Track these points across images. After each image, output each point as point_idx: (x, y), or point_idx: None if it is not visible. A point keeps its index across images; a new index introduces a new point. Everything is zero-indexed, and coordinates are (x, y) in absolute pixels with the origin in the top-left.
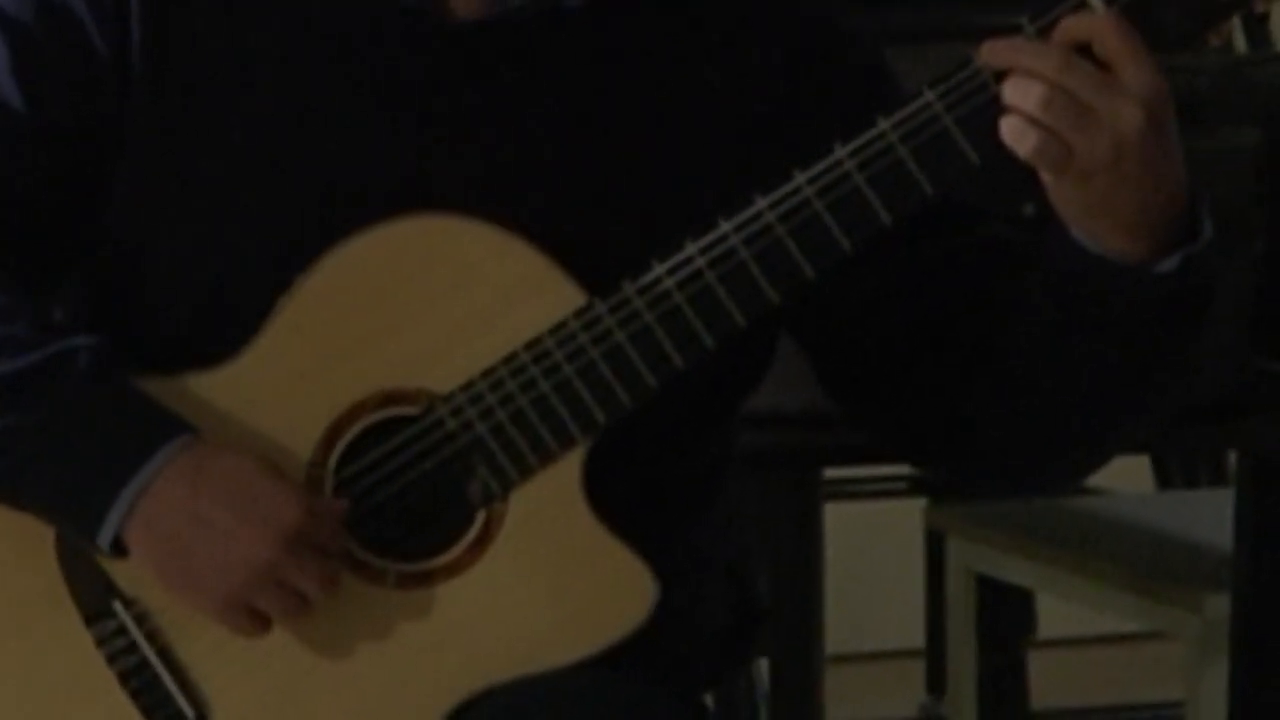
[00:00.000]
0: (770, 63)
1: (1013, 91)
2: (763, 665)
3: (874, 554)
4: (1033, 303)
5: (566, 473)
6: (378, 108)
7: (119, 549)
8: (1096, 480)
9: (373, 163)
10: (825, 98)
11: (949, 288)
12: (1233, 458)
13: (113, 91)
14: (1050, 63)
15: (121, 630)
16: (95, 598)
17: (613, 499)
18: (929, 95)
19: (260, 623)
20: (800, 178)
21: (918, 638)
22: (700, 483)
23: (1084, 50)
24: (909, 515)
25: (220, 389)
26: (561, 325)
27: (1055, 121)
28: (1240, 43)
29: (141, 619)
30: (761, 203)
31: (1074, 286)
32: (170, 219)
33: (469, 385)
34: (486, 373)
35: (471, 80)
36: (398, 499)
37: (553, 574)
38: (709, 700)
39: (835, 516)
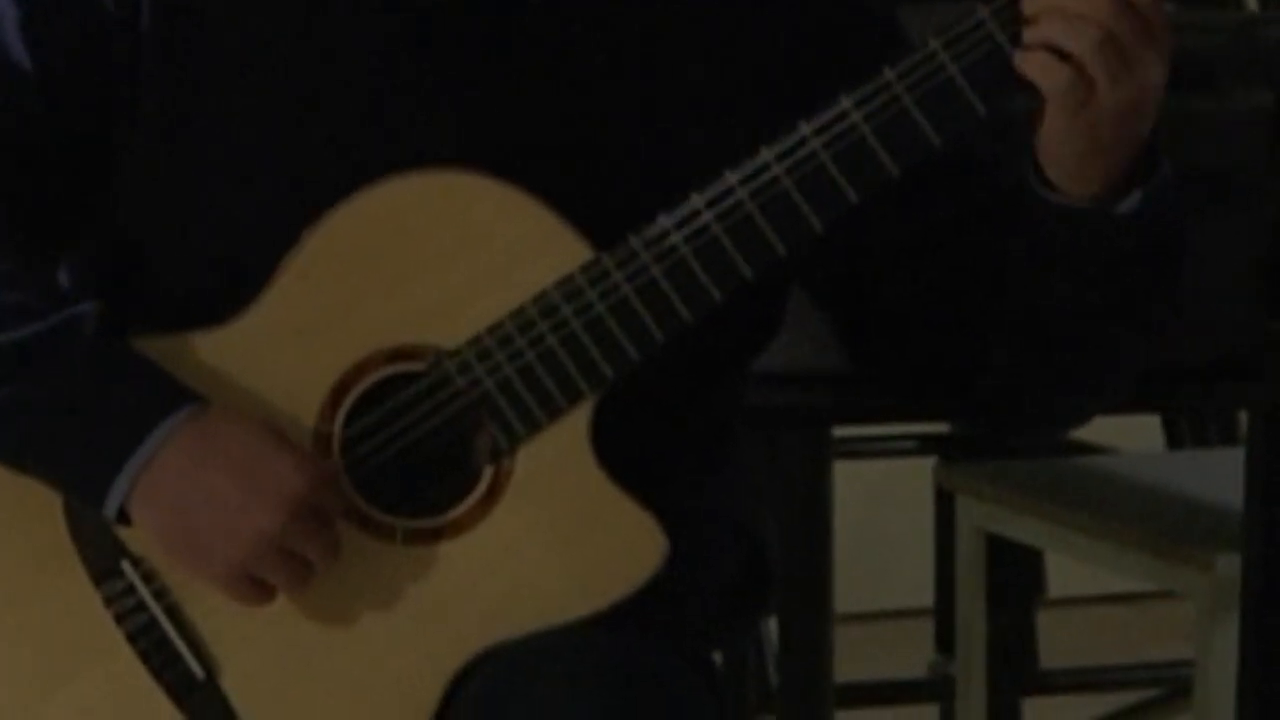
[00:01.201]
0: (783, 21)
1: (1063, 31)
2: (772, 624)
3: (883, 513)
4: (1015, 253)
5: (574, 428)
6: (385, 65)
7: (124, 518)
8: (1107, 440)
9: (379, 120)
10: (838, 55)
11: (954, 233)
12: (1243, 417)
13: (122, 51)
14: (1105, 7)
15: (130, 589)
16: (103, 557)
17: (620, 455)
18: (935, 44)
19: (265, 592)
20: (806, 128)
21: (927, 597)
22: (708, 439)
23: None
24: (918, 474)
25: (226, 346)
26: (568, 280)
27: (1100, 66)
28: (1253, 2)
29: (149, 578)
30: (768, 154)
31: (1042, 234)
32: (179, 179)
33: (476, 341)
34: (493, 328)
35: (479, 37)
36: (405, 455)
37: (561, 529)
38: (718, 659)
39: (845, 475)
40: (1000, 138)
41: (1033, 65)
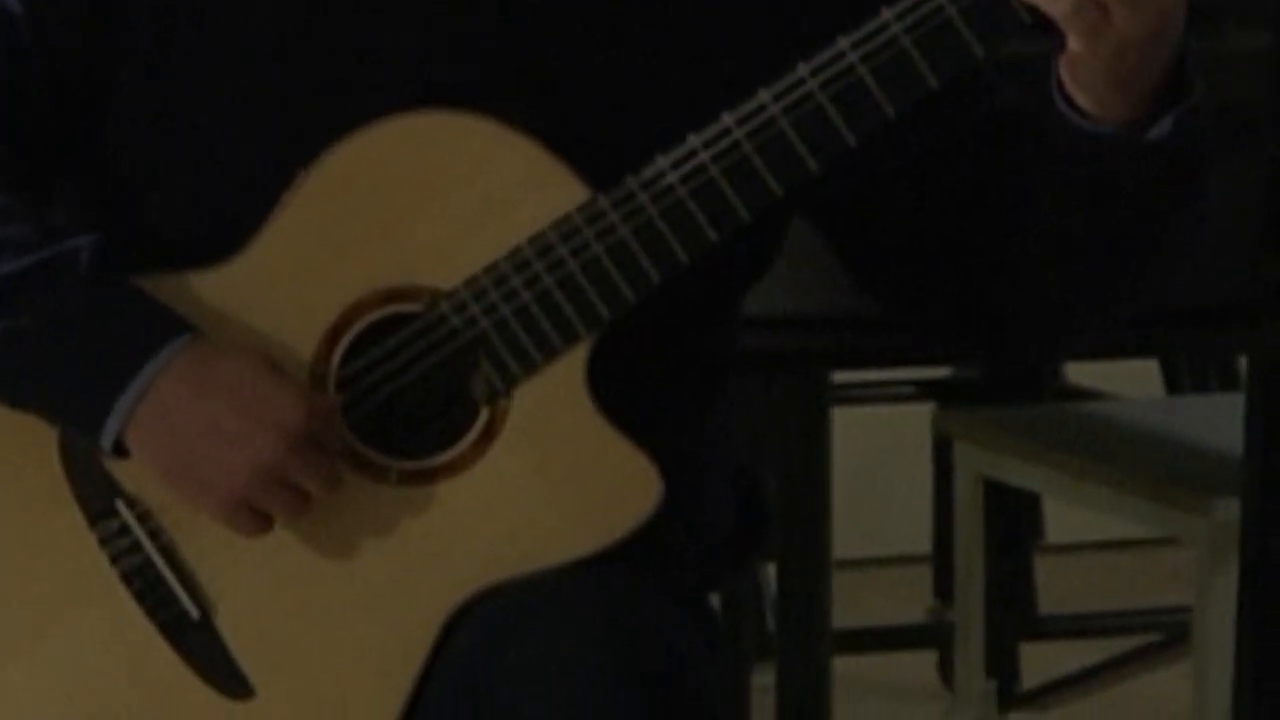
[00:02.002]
0: None
1: None
2: (770, 570)
3: (882, 459)
4: (1033, 173)
5: (570, 368)
6: (377, 14)
7: (121, 450)
8: (1106, 385)
9: (376, 59)
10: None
11: (958, 158)
12: (1243, 362)
13: None
14: None
15: (125, 530)
16: (98, 497)
17: (616, 396)
18: None
19: (263, 523)
20: (804, 69)
21: (925, 543)
22: (703, 380)
23: None
24: (917, 420)
25: (222, 286)
26: (565, 220)
27: None
28: None
29: (144, 518)
30: (765, 95)
31: (1070, 160)
32: (171, 119)
33: (472, 281)
34: (490, 268)
35: None
36: (401, 396)
37: (557, 470)
38: (715, 603)
39: (843, 421)
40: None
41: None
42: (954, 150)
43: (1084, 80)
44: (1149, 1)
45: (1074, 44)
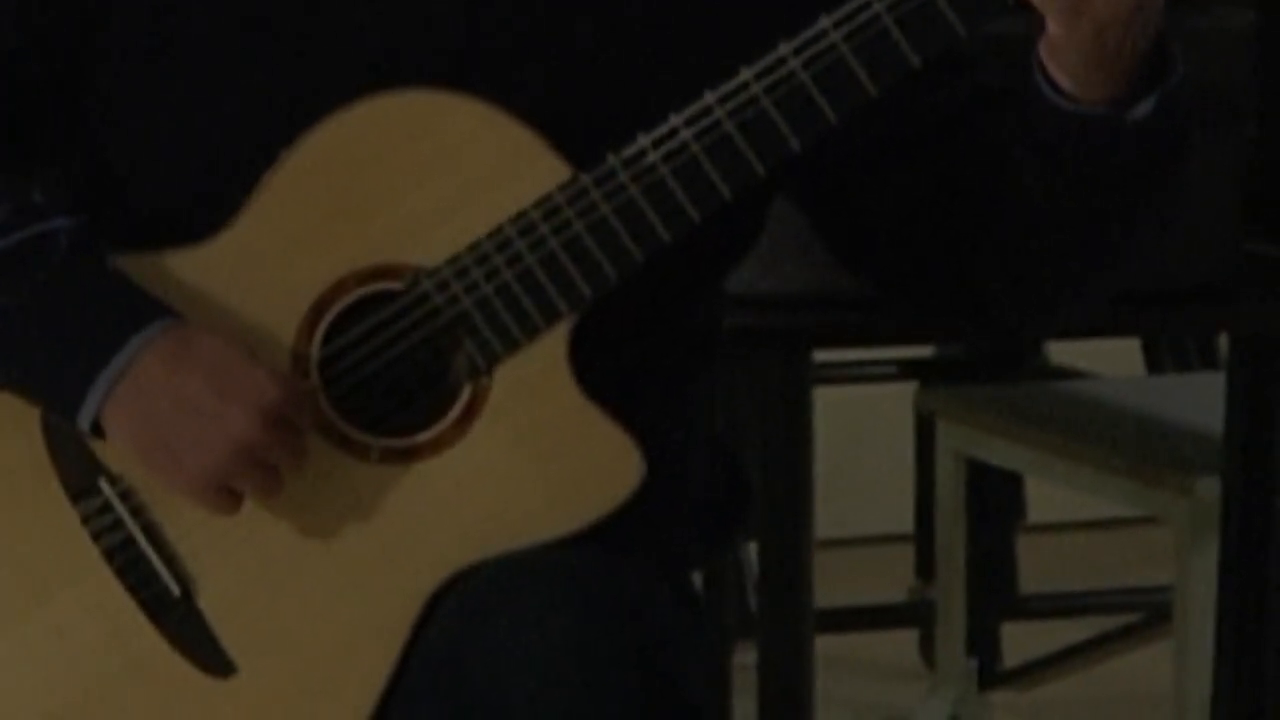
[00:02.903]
0: None
1: None
2: (751, 549)
3: (864, 438)
4: (1016, 153)
5: (552, 347)
6: None
7: (98, 430)
8: (1087, 364)
9: (356, 38)
10: None
11: (941, 137)
12: (1223, 340)
13: None
14: None
15: (107, 507)
16: (80, 474)
17: (598, 374)
18: None
19: (234, 501)
20: (785, 48)
21: (907, 522)
22: (685, 358)
23: None
24: (899, 399)
25: (204, 265)
26: (546, 199)
27: None
28: None
29: (126, 495)
30: (747, 74)
31: (1053, 140)
32: (153, 99)
33: (454, 259)
34: (471, 247)
35: None
36: (382, 374)
37: (538, 448)
38: (698, 582)
39: (825, 400)
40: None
41: None
42: (935, 129)
43: (1063, 61)
44: None
45: (1052, 25)
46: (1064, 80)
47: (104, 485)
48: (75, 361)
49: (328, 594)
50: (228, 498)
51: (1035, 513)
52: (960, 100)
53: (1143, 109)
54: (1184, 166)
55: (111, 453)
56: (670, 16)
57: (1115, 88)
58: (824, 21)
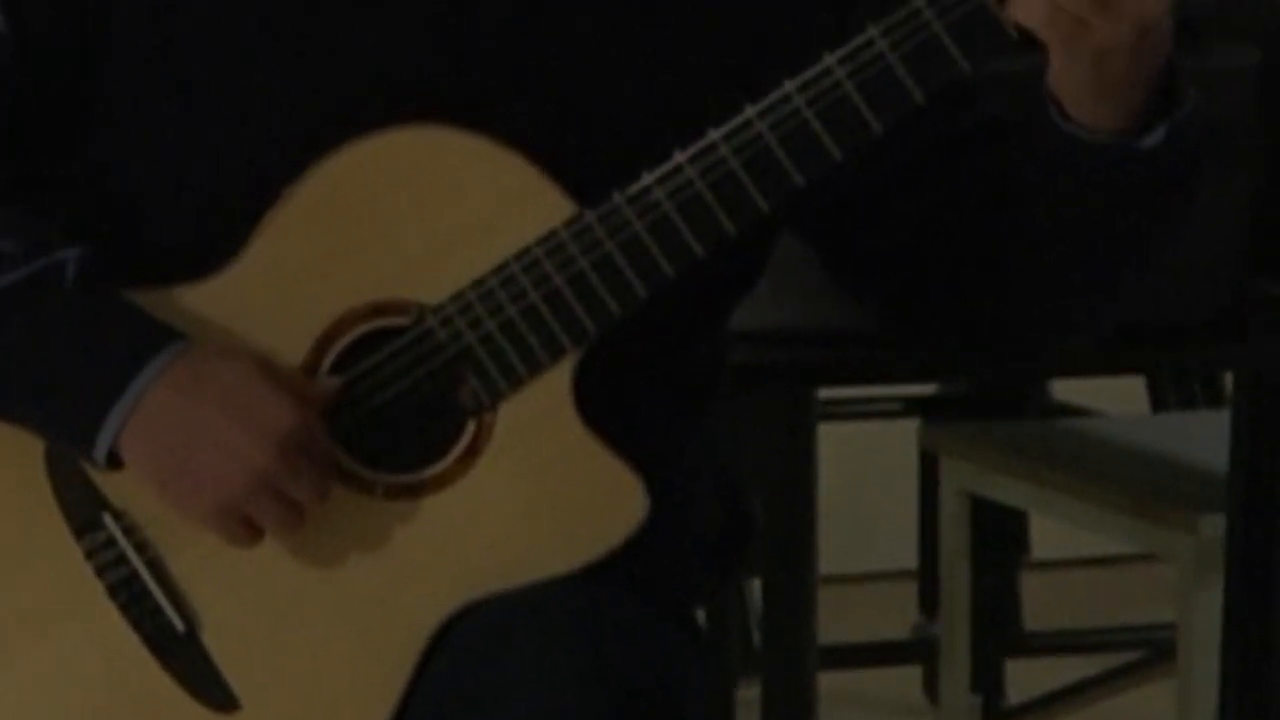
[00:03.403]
0: None
1: None
2: (755, 585)
3: (868, 474)
4: (1025, 184)
5: (556, 383)
6: (369, 18)
7: (114, 461)
8: (1091, 402)
9: (363, 74)
10: (812, 7)
11: (945, 168)
12: (1228, 379)
13: (100, 6)
14: None
15: (111, 542)
16: (85, 509)
17: (602, 410)
18: (919, 2)
19: (254, 532)
20: (790, 85)
21: (911, 558)
22: (689, 393)
23: None
24: (903, 436)
25: (209, 300)
26: (551, 235)
27: (1076, 4)
28: None
29: (131, 531)
30: (750, 111)
31: (1063, 170)
32: (159, 134)
33: (459, 295)
34: (476, 283)
35: None
36: (387, 410)
37: (543, 485)
38: (701, 620)
39: (829, 437)
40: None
41: (1015, 7)
42: (939, 160)
43: (1067, 90)
44: (1124, 11)
45: (1052, 55)
46: (1071, 108)
47: (108, 520)
48: (88, 395)
49: (332, 629)
50: (247, 528)
51: (1039, 549)
52: (964, 131)
53: (1154, 138)
54: (1193, 196)
55: (115, 487)
56: (670, 54)
57: (1123, 116)
58: (828, 59)
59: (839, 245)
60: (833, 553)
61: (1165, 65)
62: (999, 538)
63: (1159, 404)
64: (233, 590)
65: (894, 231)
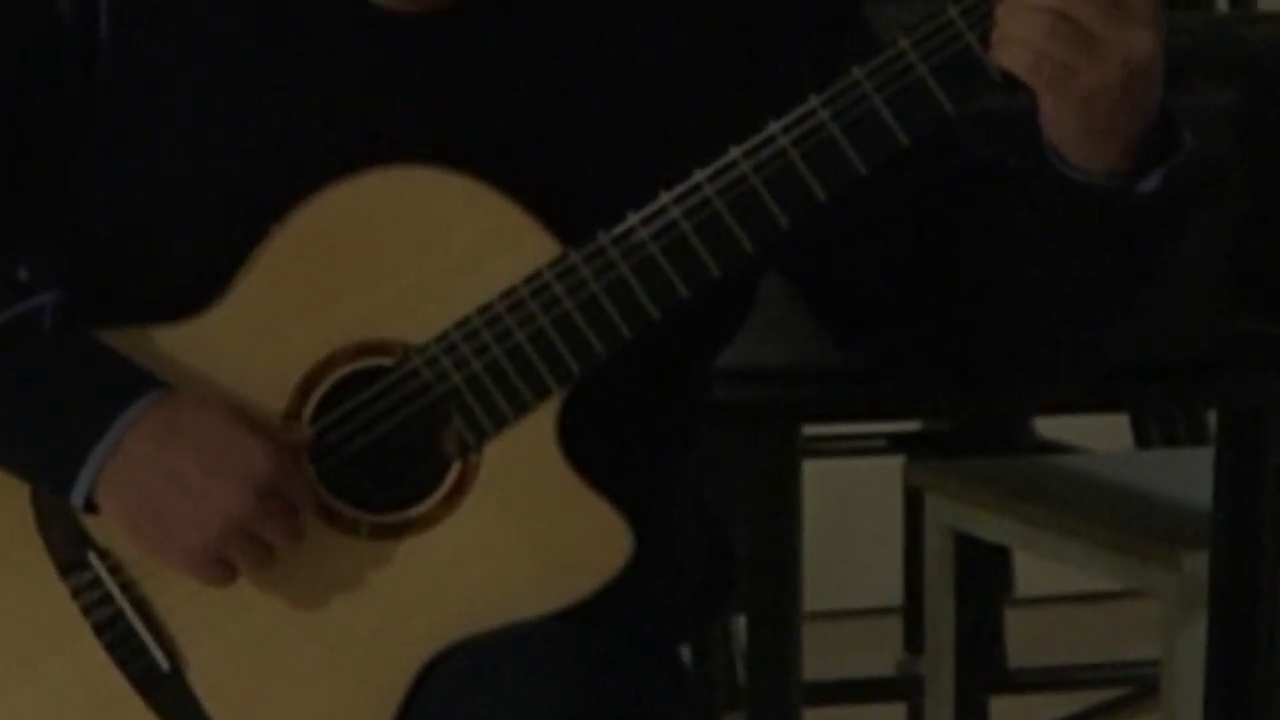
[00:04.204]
0: (740, 12)
1: (1017, 21)
2: (740, 622)
3: (852, 511)
4: (1018, 227)
5: (541, 423)
6: (346, 64)
7: (91, 508)
8: (1076, 439)
9: (341, 119)
10: (795, 46)
11: (933, 210)
12: (1211, 416)
13: (78, 55)
14: None
15: (96, 581)
16: (70, 549)
17: (587, 450)
18: (904, 43)
19: (228, 574)
20: (775, 127)
21: (895, 595)
22: (674, 433)
23: None
24: (887, 472)
25: (192, 341)
26: (536, 276)
27: (1060, 50)
28: (1223, 1)
29: (116, 570)
30: (736, 152)
31: (1058, 213)
32: (140, 177)
33: (443, 336)
34: (461, 323)
35: (440, 34)
36: (372, 450)
37: (527, 525)
38: (686, 656)
39: (814, 473)
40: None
41: (1000, 54)
42: (926, 202)
43: (1058, 132)
44: (1110, 54)
45: (1041, 99)
46: (1064, 150)
47: (93, 559)
48: (65, 441)
49: (317, 669)
50: (222, 571)
51: (1023, 586)
52: (954, 174)
53: (1150, 182)
54: (1183, 241)
55: (101, 526)
56: (654, 93)
57: (1116, 157)
58: (813, 100)
59: (824, 288)
60: (817, 589)
61: (1161, 108)
62: (983, 574)
63: (1142, 441)
64: (218, 629)
65: (880, 274)
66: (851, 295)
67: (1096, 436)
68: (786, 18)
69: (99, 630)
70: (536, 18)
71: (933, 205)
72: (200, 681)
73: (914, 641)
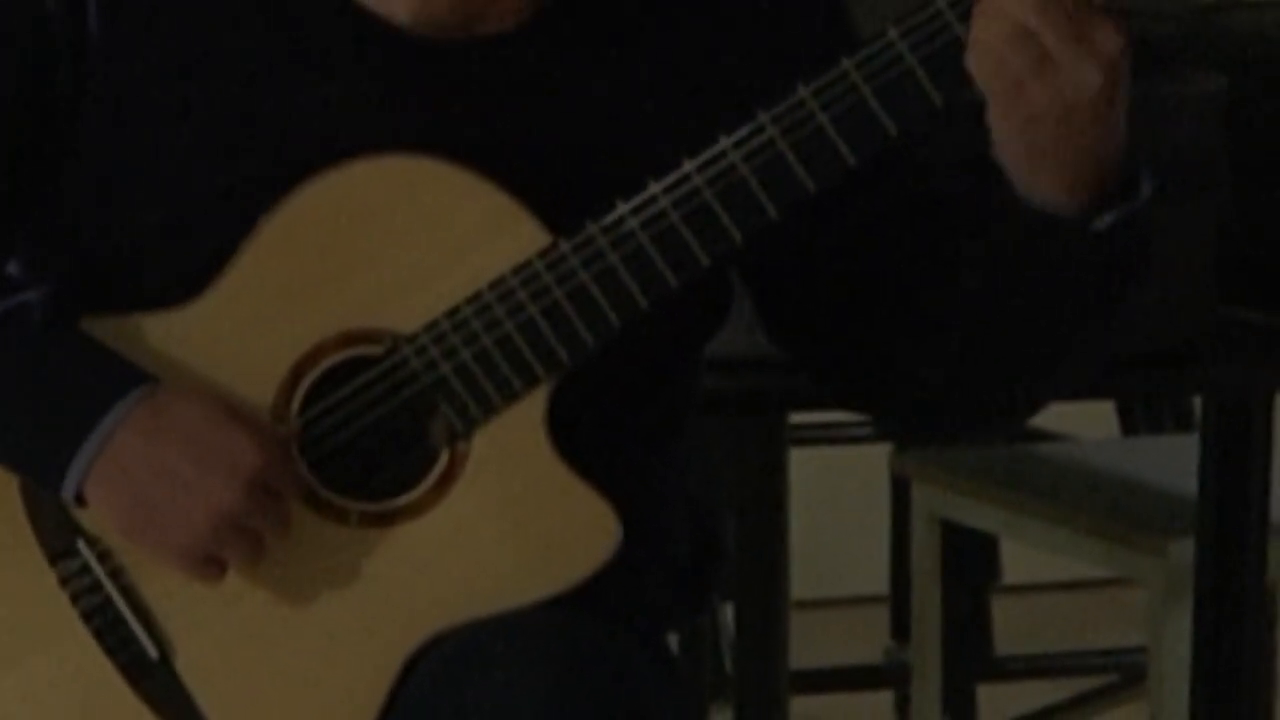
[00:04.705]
0: (733, 7)
1: (982, 21)
2: (728, 610)
3: (839, 500)
4: (973, 254)
5: (530, 412)
6: (338, 58)
7: (80, 502)
8: (1062, 426)
9: (332, 110)
10: (786, 40)
11: (893, 239)
12: (1197, 403)
13: (66, 48)
14: (1026, 3)
15: (85, 569)
16: (59, 536)
17: (576, 438)
18: (892, 34)
19: (218, 567)
20: (764, 117)
21: (882, 583)
22: (662, 422)
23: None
24: (874, 461)
25: (182, 330)
26: (525, 265)
27: (1015, 59)
28: None
29: (105, 558)
30: (725, 142)
31: (1013, 240)
32: (130, 171)
33: (433, 325)
34: (450, 312)
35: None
36: (361, 439)
37: (516, 513)
38: (674, 645)
39: (801, 462)
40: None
41: (972, 56)
42: (883, 232)
43: (1004, 152)
44: (1060, 81)
45: (992, 113)
46: (1010, 174)
47: (82, 547)
48: (54, 437)
49: (305, 656)
50: (211, 565)
51: (1010, 574)
52: (910, 204)
53: (1103, 221)
54: (1140, 285)
55: (90, 514)
56: (642, 82)
57: (1063, 192)
58: (802, 90)
59: (781, 307)
60: (804, 577)
61: (1115, 149)
62: (970, 562)
63: (1128, 428)
64: (207, 617)
65: (836, 296)
66: (803, 312)
67: (1083, 424)
68: (784, 26)
69: (87, 617)
70: (547, 18)
71: (890, 232)
72: (188, 670)
73: (901, 629)
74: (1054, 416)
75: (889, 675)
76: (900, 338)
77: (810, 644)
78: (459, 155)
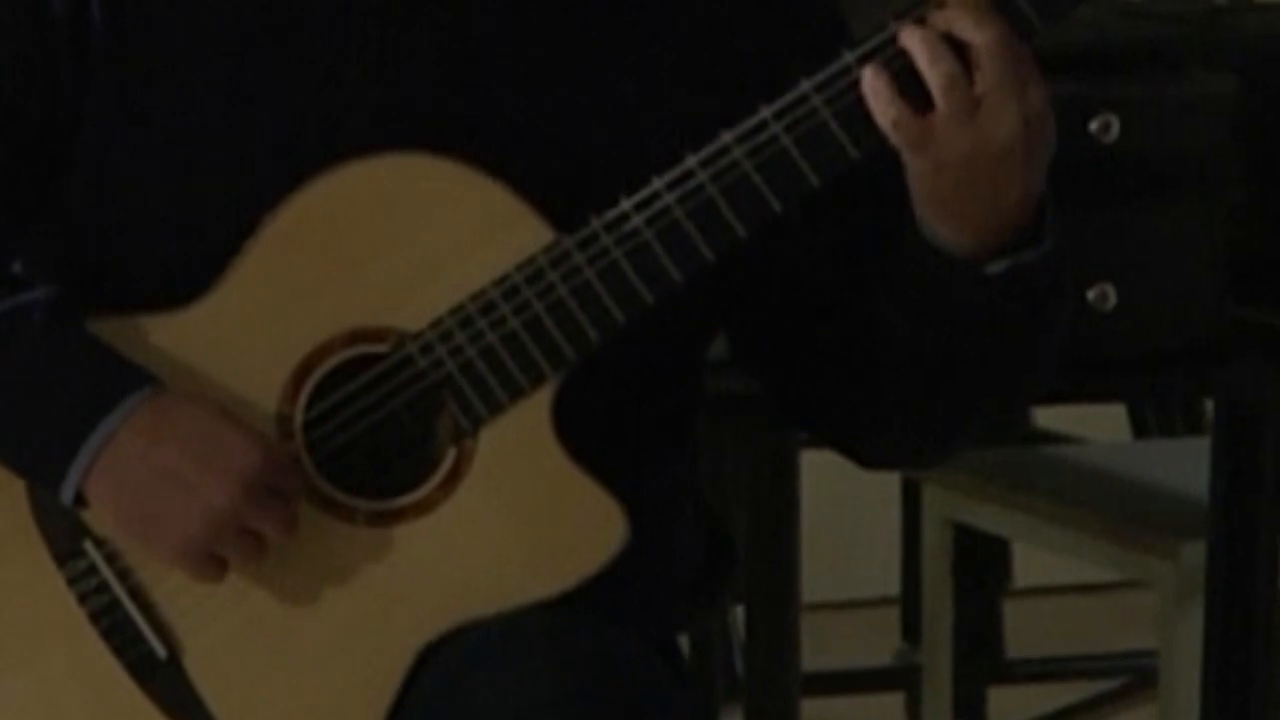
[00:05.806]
0: (738, 5)
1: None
2: (738, 613)
3: (850, 502)
4: (883, 288)
5: (536, 410)
6: (343, 52)
7: (80, 501)
8: (1073, 429)
9: (339, 104)
10: (791, 37)
11: (838, 267)
12: (1209, 406)
13: (69, 44)
14: (987, 33)
15: (92, 569)
16: (66, 537)
17: (583, 436)
18: (848, 58)
19: (220, 568)
20: (766, 112)
21: (894, 585)
22: (670, 420)
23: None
24: None
25: (188, 329)
26: (530, 262)
27: (943, 103)
28: None
29: (112, 558)
30: (728, 137)
31: (914, 277)
32: (133, 168)
33: (438, 323)
34: (455, 310)
35: (439, 21)
36: (367, 437)
37: (523, 511)
38: (684, 648)
39: (812, 464)
40: None
41: (870, 93)
42: (814, 263)
43: (914, 196)
44: (973, 132)
45: (904, 158)
46: (922, 217)
47: (89, 547)
48: (55, 436)
49: (313, 656)
50: (212, 566)
51: (1021, 577)
52: (849, 233)
53: (996, 266)
54: (1048, 332)
55: (97, 514)
56: (644, 79)
57: (969, 237)
58: (805, 85)
59: (736, 326)
60: (815, 580)
61: (1024, 201)
62: (981, 565)
63: (1140, 431)
64: (215, 617)
65: (784, 320)
66: (755, 334)
67: (1094, 426)
68: (795, 31)
69: (95, 618)
70: (545, 8)
71: (819, 265)
72: (197, 669)
73: (912, 632)
74: (1065, 419)
75: (900, 678)
76: (833, 366)
77: (821, 646)
78: (460, 145)
